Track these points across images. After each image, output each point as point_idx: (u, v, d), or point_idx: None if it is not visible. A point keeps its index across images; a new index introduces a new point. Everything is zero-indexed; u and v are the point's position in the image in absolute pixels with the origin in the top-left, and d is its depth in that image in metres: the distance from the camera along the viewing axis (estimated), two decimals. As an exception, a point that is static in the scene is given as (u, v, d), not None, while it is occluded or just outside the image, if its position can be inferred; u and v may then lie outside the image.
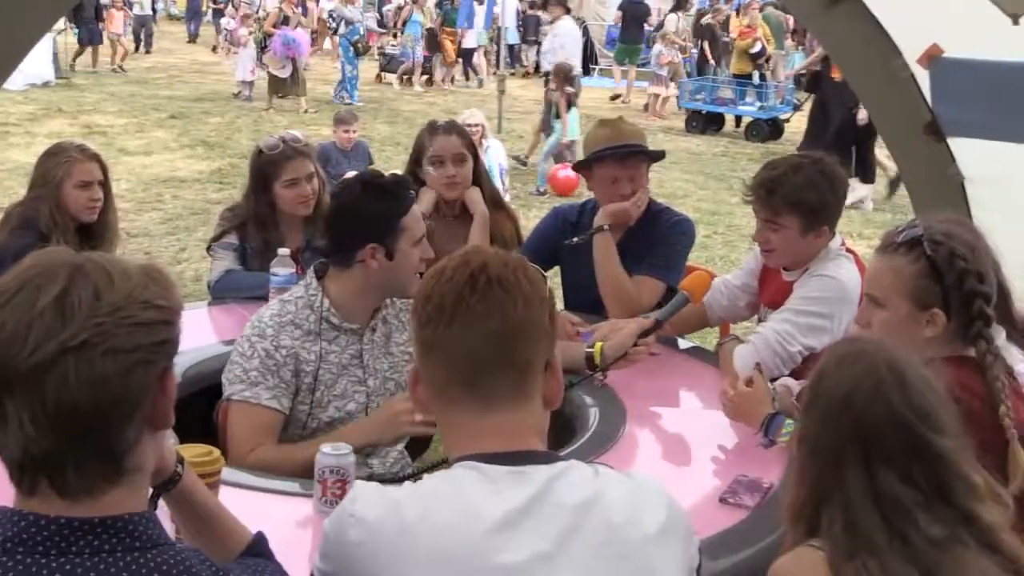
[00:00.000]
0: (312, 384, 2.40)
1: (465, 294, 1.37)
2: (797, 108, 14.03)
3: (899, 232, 2.06)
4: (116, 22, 17.58)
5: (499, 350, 1.37)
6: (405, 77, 17.27)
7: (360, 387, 2.46)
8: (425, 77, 17.52)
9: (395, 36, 18.82)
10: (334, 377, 2.42)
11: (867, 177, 9.68)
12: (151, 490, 1.40)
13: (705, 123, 14.11)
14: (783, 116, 13.86)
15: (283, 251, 3.14)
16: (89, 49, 16.91)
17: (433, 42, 17.23)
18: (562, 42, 13.46)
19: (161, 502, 1.42)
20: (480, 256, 1.43)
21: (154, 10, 21.75)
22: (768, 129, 13.50)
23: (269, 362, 2.35)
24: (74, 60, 16.88)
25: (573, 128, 9.94)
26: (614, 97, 16.96)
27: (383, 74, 17.80)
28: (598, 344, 2.75)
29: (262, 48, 15.22)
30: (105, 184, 3.64)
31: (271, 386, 2.35)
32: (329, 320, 2.42)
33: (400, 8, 17.23)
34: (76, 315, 1.10)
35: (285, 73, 13.94)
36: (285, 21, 15.37)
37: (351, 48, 15.16)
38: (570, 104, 10.06)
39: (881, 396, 1.49)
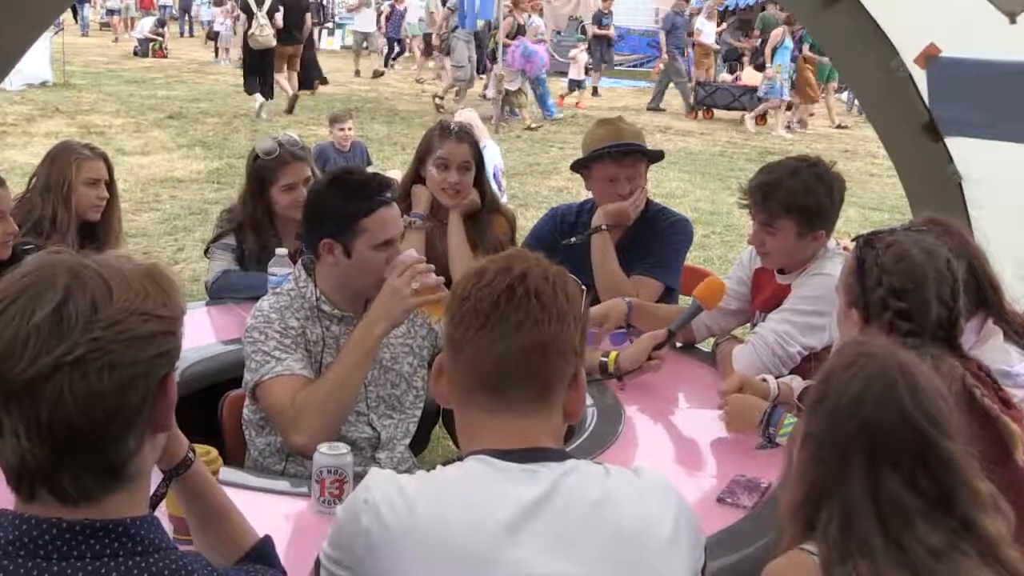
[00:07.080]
0: (319, 365, 2.38)
1: (501, 302, 1.37)
2: None
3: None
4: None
5: (527, 363, 1.38)
6: (759, 117, 14.82)
7: None
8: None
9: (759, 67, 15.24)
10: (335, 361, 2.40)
11: None
12: (163, 473, 1.40)
13: None
14: None
15: (281, 251, 3.13)
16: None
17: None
18: None
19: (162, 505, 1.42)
20: (523, 264, 1.42)
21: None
22: None
23: (286, 340, 2.34)
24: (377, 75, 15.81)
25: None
26: None
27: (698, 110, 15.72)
28: (612, 353, 2.75)
29: (492, 58, 14.19)
30: (111, 184, 3.62)
31: (298, 357, 2.33)
32: (321, 308, 2.42)
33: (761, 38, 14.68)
34: (73, 329, 1.07)
35: (515, 86, 13.45)
36: (519, 31, 14.28)
37: None
38: None
39: (893, 398, 1.48)
